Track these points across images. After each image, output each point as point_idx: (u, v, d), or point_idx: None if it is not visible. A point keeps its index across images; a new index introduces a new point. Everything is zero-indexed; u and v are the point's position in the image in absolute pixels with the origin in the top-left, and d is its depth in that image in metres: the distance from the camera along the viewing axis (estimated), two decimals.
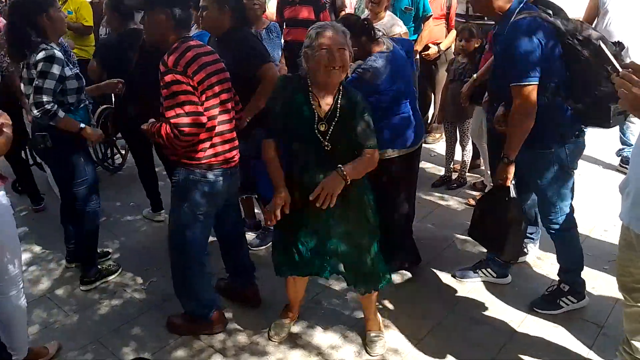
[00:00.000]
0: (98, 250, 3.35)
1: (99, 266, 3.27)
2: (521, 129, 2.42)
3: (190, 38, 2.43)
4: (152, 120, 2.44)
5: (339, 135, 2.27)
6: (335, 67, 2.17)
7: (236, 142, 2.55)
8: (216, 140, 2.42)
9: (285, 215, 2.29)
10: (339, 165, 2.23)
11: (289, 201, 2.30)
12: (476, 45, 3.90)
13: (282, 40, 5.11)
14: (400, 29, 3.96)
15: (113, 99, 4.45)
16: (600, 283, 3.02)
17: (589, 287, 2.90)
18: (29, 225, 3.98)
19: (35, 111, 2.73)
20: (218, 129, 2.41)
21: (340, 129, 2.26)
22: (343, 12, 5.47)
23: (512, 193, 2.56)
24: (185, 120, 2.26)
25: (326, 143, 2.25)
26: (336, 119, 2.26)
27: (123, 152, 5.02)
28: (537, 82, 2.34)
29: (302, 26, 5.09)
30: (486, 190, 3.42)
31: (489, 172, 3.85)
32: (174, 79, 2.26)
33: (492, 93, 2.86)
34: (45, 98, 2.71)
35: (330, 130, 2.25)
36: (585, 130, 2.60)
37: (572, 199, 2.71)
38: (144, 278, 3.28)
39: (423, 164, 4.89)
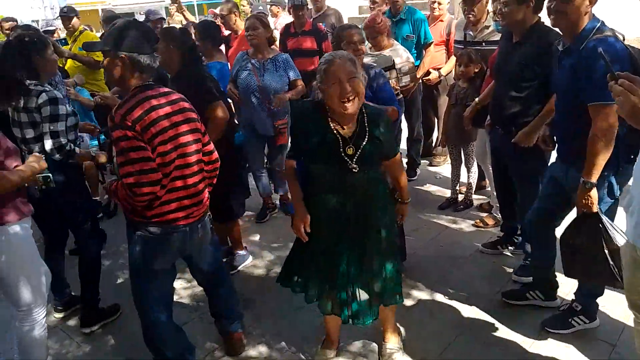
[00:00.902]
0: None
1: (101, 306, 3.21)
2: (605, 150, 2.28)
3: (151, 86, 2.22)
4: (112, 179, 2.37)
5: (369, 156, 2.27)
6: (350, 98, 2.15)
7: (201, 196, 2.36)
8: (171, 196, 2.24)
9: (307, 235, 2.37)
10: (398, 199, 2.55)
11: (308, 221, 2.34)
12: (476, 70, 3.97)
13: None
14: (399, 59, 4.04)
15: None
16: (611, 301, 3.00)
17: (599, 306, 2.88)
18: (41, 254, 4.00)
19: (57, 155, 2.78)
20: (175, 184, 2.23)
21: (369, 150, 2.26)
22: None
23: (603, 218, 2.37)
24: (138, 179, 2.10)
25: (354, 165, 2.24)
26: (365, 141, 2.25)
27: None
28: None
29: (305, 56, 5.23)
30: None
31: (494, 192, 3.88)
32: (121, 134, 2.08)
33: (500, 116, 2.90)
34: (63, 140, 2.79)
35: (359, 152, 2.24)
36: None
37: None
38: None
39: (429, 187, 4.96)
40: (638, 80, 1.59)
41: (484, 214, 4.21)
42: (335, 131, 2.25)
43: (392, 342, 2.69)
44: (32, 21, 13.39)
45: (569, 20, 2.38)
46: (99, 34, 5.83)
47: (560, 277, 3.16)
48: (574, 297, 2.87)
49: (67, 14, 5.63)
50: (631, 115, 1.54)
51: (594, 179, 2.33)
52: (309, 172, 2.38)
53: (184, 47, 3.19)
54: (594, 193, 2.35)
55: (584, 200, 2.37)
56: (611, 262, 2.35)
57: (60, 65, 5.43)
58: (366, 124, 2.27)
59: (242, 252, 3.80)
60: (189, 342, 2.62)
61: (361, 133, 2.26)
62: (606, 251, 2.36)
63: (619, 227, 2.38)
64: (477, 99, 3.64)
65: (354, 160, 2.24)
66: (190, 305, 3.32)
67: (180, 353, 2.53)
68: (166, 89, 2.27)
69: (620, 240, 2.31)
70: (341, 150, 2.24)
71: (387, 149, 2.37)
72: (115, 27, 2.18)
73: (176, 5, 6.24)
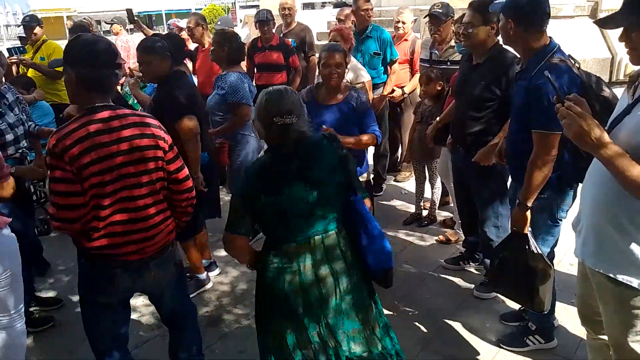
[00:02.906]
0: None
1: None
2: (540, 176, 2.35)
3: (101, 108, 2.01)
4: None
5: None
6: None
7: (154, 231, 2.14)
8: (114, 229, 2.05)
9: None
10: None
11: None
12: (438, 88, 4.07)
13: (254, 84, 5.23)
14: (366, 77, 4.10)
15: None
16: (568, 316, 3.09)
17: (558, 321, 2.96)
18: None
19: None
20: (117, 217, 2.05)
21: None
22: (313, 57, 5.64)
23: (531, 240, 2.45)
24: (55, 212, 1.98)
25: None
26: None
27: None
28: (561, 132, 2.19)
29: (272, 70, 5.25)
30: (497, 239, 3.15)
31: (457, 208, 3.95)
32: (51, 162, 1.95)
33: (461, 135, 3.03)
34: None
35: None
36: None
37: (554, 245, 2.72)
38: None
39: (394, 202, 5.01)
40: (584, 103, 1.66)
41: (447, 230, 4.28)
42: None
43: None
44: None
45: (514, 41, 2.47)
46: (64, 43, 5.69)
47: None
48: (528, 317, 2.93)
49: (29, 24, 5.47)
50: (577, 137, 1.62)
51: (529, 202, 2.40)
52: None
53: (169, 59, 3.19)
54: (527, 214, 2.42)
55: (517, 220, 2.45)
56: (531, 283, 2.43)
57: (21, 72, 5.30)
58: None
59: (201, 276, 3.64)
60: None
61: None
62: (529, 272, 2.42)
63: (544, 252, 2.48)
64: (438, 118, 3.72)
65: None
66: (152, 323, 3.25)
67: None
68: (121, 112, 2.06)
69: (543, 264, 2.41)
70: None
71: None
72: (73, 41, 2.08)
73: (133, 25, 6.09)
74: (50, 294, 3.62)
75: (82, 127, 1.96)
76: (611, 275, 1.80)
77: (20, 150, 3.12)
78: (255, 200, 1.91)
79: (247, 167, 1.98)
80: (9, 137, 3.04)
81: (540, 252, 2.43)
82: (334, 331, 1.96)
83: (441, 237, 4.20)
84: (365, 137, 3.15)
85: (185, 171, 2.26)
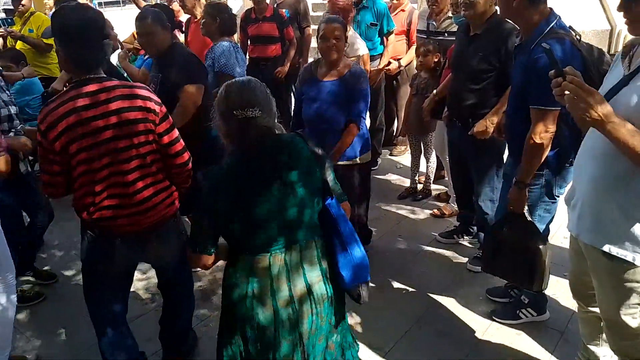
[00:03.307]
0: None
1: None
2: (538, 154, 2.31)
3: (87, 81, 1.98)
4: None
5: None
6: None
7: (148, 204, 2.12)
8: (110, 202, 2.06)
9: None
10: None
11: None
12: (435, 60, 4.00)
13: (247, 57, 5.15)
14: (363, 50, 4.01)
15: None
16: (560, 289, 3.11)
17: (549, 294, 2.97)
18: None
19: None
20: (112, 191, 2.05)
21: None
22: (308, 29, 5.54)
23: (528, 219, 2.41)
24: (44, 177, 2.05)
25: None
26: None
27: None
28: (560, 108, 2.21)
29: (266, 43, 5.15)
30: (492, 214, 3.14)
31: (452, 182, 3.94)
32: (39, 138, 1.99)
33: (457, 108, 2.99)
34: None
35: None
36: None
37: (550, 222, 2.66)
38: None
39: (389, 176, 4.99)
40: (579, 77, 1.57)
41: (442, 204, 4.27)
42: None
43: None
44: None
45: (513, 13, 2.36)
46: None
47: None
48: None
49: None
50: (582, 112, 1.55)
51: (527, 179, 2.37)
52: None
53: (169, 28, 3.11)
54: (524, 193, 2.38)
55: (515, 199, 2.41)
56: (528, 264, 2.40)
57: (9, 46, 5.19)
58: None
59: None
60: (138, 352, 2.49)
61: None
62: (526, 252, 2.40)
63: (541, 231, 2.45)
64: (435, 91, 3.67)
65: None
66: (145, 298, 3.26)
67: None
68: (109, 84, 2.00)
69: (540, 244, 2.38)
70: None
71: None
72: (59, 14, 2.02)
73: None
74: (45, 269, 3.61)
75: (68, 101, 1.93)
76: (606, 250, 1.80)
77: (13, 129, 3.04)
78: (220, 210, 1.68)
79: (208, 174, 1.71)
80: (4, 111, 2.96)
81: (538, 231, 2.40)
82: (309, 351, 1.79)
83: (435, 211, 4.19)
84: (347, 138, 3.07)
85: (180, 144, 2.19)
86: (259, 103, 1.66)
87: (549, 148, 2.31)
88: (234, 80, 1.75)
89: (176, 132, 2.19)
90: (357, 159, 3.24)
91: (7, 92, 2.84)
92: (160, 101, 2.14)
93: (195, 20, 4.99)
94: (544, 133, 2.27)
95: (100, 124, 1.96)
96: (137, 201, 2.09)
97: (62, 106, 1.93)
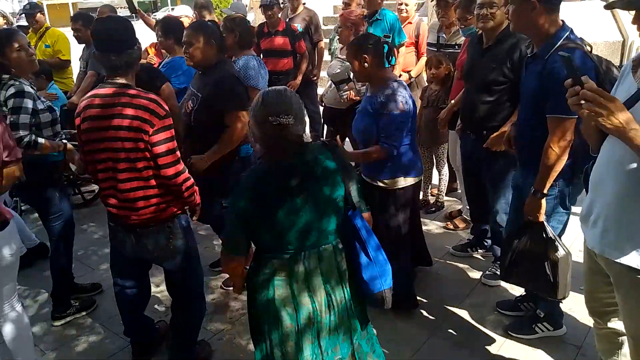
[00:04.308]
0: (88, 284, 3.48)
1: (73, 301, 3.25)
2: (558, 162, 2.29)
3: (111, 84, 2.25)
4: None
5: None
6: None
7: (134, 205, 2.30)
8: (109, 193, 2.35)
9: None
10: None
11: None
12: (446, 73, 4.01)
13: None
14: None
15: None
16: (577, 304, 3.05)
17: (565, 308, 2.94)
18: None
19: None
20: (108, 183, 2.32)
21: None
22: (320, 43, 5.58)
23: (548, 228, 2.39)
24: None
25: None
26: None
27: None
28: (577, 117, 2.19)
29: (278, 56, 5.19)
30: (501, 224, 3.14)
31: (465, 195, 3.92)
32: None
33: (471, 120, 2.95)
34: (22, 132, 2.71)
35: None
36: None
37: (562, 233, 2.64)
38: None
39: None
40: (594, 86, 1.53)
41: (455, 217, 4.25)
42: None
43: None
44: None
45: (524, 24, 2.36)
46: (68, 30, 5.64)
47: None
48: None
49: (29, 11, 5.42)
50: (602, 121, 1.51)
51: (545, 189, 2.36)
52: None
53: (220, 43, 3.07)
54: (543, 202, 2.37)
55: (532, 209, 2.40)
56: (550, 272, 2.38)
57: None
58: None
59: None
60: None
61: None
62: (547, 261, 2.37)
63: (561, 240, 2.42)
64: (452, 101, 3.67)
65: None
66: (161, 311, 3.28)
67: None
68: (122, 90, 2.22)
69: (561, 252, 2.35)
70: None
71: None
72: (94, 22, 2.31)
73: (135, 14, 5.91)
74: None
75: (89, 97, 2.27)
76: (634, 265, 1.74)
77: (59, 133, 3.04)
78: (250, 214, 1.77)
79: (241, 179, 1.82)
80: (45, 117, 2.91)
81: (557, 239, 2.38)
82: (326, 352, 1.85)
83: (448, 223, 4.17)
84: (373, 151, 2.82)
85: (170, 158, 2.24)
86: (293, 111, 1.74)
87: (567, 157, 2.31)
88: (271, 88, 1.83)
89: (171, 147, 2.24)
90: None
91: (41, 99, 2.89)
92: (165, 114, 2.22)
93: None
94: (562, 142, 2.26)
95: (104, 124, 2.21)
96: (125, 199, 2.31)
97: (85, 100, 2.28)
